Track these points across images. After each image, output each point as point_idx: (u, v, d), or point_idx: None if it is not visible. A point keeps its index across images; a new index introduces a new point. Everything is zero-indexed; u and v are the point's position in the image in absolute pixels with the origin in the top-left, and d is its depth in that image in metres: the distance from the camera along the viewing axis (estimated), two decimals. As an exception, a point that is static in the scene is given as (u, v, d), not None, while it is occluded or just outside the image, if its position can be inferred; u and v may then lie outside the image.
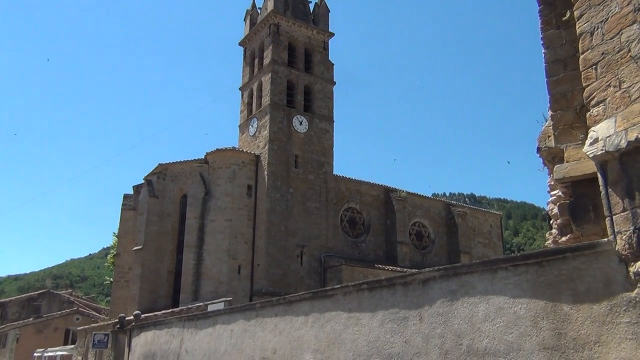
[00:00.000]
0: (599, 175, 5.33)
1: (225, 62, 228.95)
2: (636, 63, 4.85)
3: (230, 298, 23.49)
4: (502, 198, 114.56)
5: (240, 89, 36.08)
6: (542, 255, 6.27)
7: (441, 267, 7.91)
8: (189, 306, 24.66)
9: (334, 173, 33.38)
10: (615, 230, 5.11)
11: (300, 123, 32.76)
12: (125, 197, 35.11)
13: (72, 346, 30.53)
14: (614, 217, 5.13)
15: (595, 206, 5.74)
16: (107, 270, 48.73)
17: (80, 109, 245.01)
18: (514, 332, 6.35)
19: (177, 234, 31.65)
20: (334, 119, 34.28)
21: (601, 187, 5.31)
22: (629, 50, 4.98)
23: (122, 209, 34.85)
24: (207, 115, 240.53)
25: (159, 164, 32.75)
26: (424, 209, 37.50)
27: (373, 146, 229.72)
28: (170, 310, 25.09)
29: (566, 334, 5.78)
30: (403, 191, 36.09)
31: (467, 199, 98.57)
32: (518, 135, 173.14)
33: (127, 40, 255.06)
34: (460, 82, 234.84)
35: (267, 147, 31.20)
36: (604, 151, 5.10)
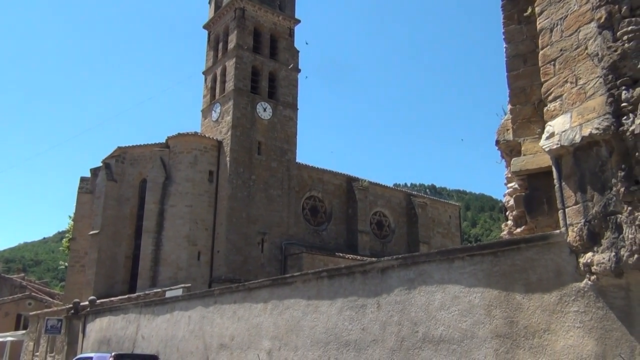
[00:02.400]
0: (553, 168, 5.48)
1: (189, 45, 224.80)
2: (592, 60, 4.99)
3: (189, 284, 23.29)
4: (461, 190, 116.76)
5: (203, 73, 35.55)
6: (496, 245, 6.42)
7: (400, 256, 8.02)
8: (147, 292, 24.35)
9: (297, 161, 33.38)
10: (567, 222, 5.27)
11: (264, 110, 32.55)
12: (82, 180, 34.30)
13: (24, 332, 29.77)
14: (566, 209, 5.28)
15: (549, 199, 5.90)
16: (62, 254, 47.64)
17: (38, 88, 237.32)
18: (468, 320, 6.51)
19: (135, 219, 31.13)
20: (298, 107, 34.26)
21: (555, 181, 5.46)
22: (586, 48, 5.11)
23: (78, 192, 34.04)
24: (169, 98, 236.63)
25: (118, 147, 32.12)
26: (385, 198, 37.90)
27: (336, 135, 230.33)
28: (127, 296, 24.73)
29: (518, 322, 5.95)
30: (365, 181, 36.37)
31: (427, 190, 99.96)
32: (479, 128, 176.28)
33: (87, 20, 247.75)
34: (423, 74, 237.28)
35: (230, 133, 30.90)
36: (559, 145, 5.24)
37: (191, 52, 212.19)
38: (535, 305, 5.77)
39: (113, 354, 12.39)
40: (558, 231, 5.49)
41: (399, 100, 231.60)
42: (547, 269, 5.68)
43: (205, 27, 36.28)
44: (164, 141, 31.42)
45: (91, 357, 12.93)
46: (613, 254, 4.73)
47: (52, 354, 23.98)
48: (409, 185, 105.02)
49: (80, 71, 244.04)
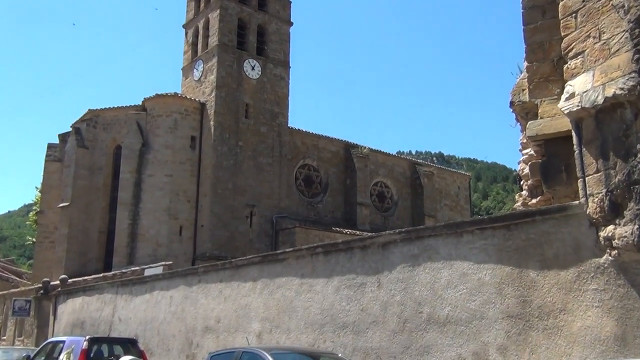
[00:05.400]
0: (573, 133, 5.50)
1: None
2: (618, 13, 4.95)
3: (170, 262, 23.47)
4: (471, 158, 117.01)
5: (183, 26, 35.12)
6: (510, 218, 6.48)
7: (402, 229, 8.10)
8: (123, 270, 24.53)
9: (289, 125, 33.29)
10: (588, 192, 5.31)
11: (252, 68, 32.30)
12: (50, 147, 34.20)
13: (-11, 314, 30.03)
14: (586, 178, 5.32)
15: (568, 166, 5.94)
16: (30, 229, 47.75)
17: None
18: (477, 300, 6.61)
19: (109, 190, 31.15)
20: (290, 65, 33.99)
21: (575, 146, 5.48)
22: (612, -2, 5.07)
23: (45, 161, 33.98)
24: (145, 55, 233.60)
25: (89, 109, 31.93)
26: (387, 167, 37.95)
27: (334, 98, 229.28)
28: (101, 275, 24.92)
29: (531, 302, 6.05)
30: (365, 147, 36.35)
31: (434, 158, 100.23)
32: (491, 89, 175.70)
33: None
34: (429, 27, 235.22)
35: (214, 94, 30.72)
36: (579, 107, 5.24)
37: (170, 3, 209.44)
38: (551, 283, 5.86)
39: (87, 337, 12.51)
40: (577, 202, 5.54)
41: (403, 59, 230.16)
42: (565, 244, 5.75)
43: (184, -27, 35.73)
44: (140, 103, 31.28)
45: (63, 341, 13.03)
46: (637, 227, 4.78)
47: (21, 338, 24.25)
48: (414, 153, 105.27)
49: (44, 24, 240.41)
